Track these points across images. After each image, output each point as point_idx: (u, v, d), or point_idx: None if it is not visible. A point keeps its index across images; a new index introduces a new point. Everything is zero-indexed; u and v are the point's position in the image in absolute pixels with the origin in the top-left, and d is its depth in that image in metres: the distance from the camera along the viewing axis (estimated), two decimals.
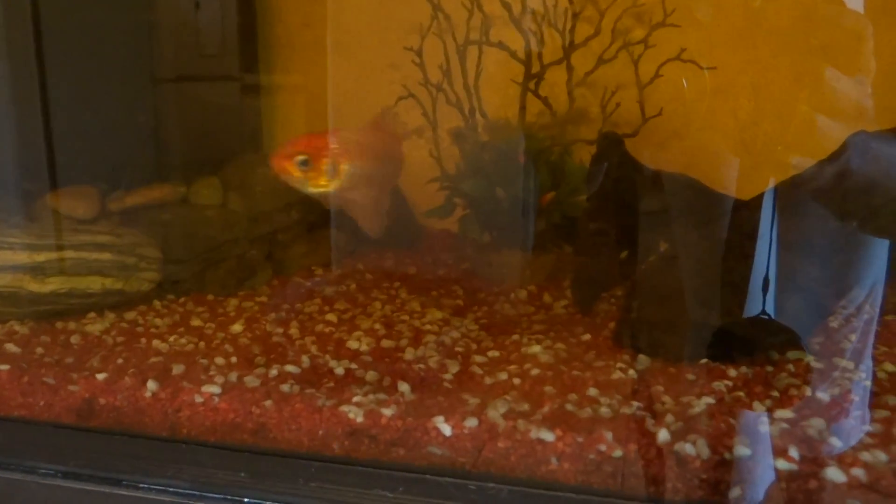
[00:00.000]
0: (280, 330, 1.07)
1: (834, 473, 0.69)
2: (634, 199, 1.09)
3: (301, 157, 0.89)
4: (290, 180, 0.91)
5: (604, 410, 0.82)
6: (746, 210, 1.00)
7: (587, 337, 1.04)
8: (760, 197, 1.00)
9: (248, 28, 1.52)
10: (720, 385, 0.86)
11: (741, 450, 0.72)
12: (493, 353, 0.99)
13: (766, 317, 0.93)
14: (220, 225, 1.26)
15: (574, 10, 1.31)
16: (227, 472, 0.81)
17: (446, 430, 0.79)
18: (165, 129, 1.36)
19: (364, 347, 1.00)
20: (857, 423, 0.78)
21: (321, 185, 0.91)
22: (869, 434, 0.75)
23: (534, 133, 1.34)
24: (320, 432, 0.81)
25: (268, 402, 0.84)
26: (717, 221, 1.02)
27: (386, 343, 1.02)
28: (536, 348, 1.00)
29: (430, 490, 0.78)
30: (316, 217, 1.40)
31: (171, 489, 0.81)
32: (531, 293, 1.25)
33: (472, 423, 0.79)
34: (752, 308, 0.96)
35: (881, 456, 0.70)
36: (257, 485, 0.80)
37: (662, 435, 0.75)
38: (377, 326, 1.09)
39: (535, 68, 1.33)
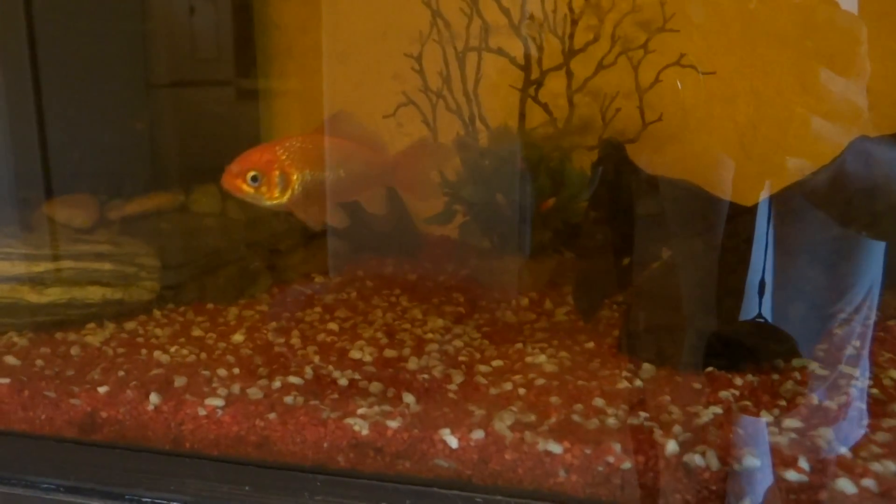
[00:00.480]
0: (282, 339, 1.06)
1: (844, 484, 0.69)
2: (635, 205, 1.09)
3: (252, 173, 0.89)
4: (246, 198, 0.90)
5: (611, 421, 0.81)
6: (749, 216, 1.00)
7: (591, 345, 1.04)
8: (763, 202, 0.99)
9: (244, 33, 1.52)
10: (727, 394, 0.86)
11: (750, 460, 0.72)
12: (497, 363, 0.98)
13: (763, 321, 0.92)
14: (220, 233, 1.26)
15: (573, 17, 1.30)
16: (230, 486, 0.81)
17: (453, 442, 0.78)
18: (163, 136, 1.35)
19: (367, 357, 1.00)
20: (864, 431, 0.77)
21: (275, 198, 0.91)
22: (877, 443, 0.74)
23: (534, 139, 1.34)
24: (325, 445, 0.81)
25: (272, 415, 0.83)
26: (719, 228, 1.02)
27: (389, 353, 1.02)
28: (541, 357, 0.99)
29: (437, 503, 0.77)
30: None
31: (175, 503, 0.80)
32: (533, 300, 1.24)
33: (478, 434, 0.79)
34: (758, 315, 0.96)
35: (891, 466, 0.70)
36: (261, 499, 0.80)
37: (671, 446, 0.74)
38: (379, 335, 1.08)
39: (535, 74, 1.33)
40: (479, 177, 1.33)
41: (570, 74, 1.33)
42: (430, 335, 1.09)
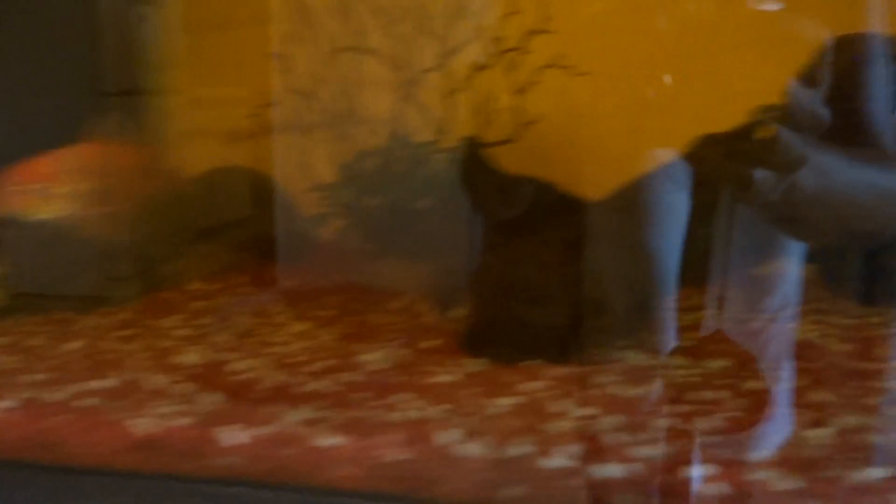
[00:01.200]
0: (119, 346, 1.04)
1: (611, 469, 0.66)
2: (488, 202, 1.08)
3: (34, 186, 0.86)
4: (27, 211, 0.87)
5: (411, 414, 0.79)
6: (594, 210, 0.99)
7: (437, 342, 1.02)
8: (609, 197, 0.98)
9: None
10: (533, 385, 0.84)
11: (526, 448, 0.70)
12: (330, 362, 0.96)
13: (585, 315, 0.90)
14: (82, 240, 1.23)
15: (452, 15, 1.30)
16: (14, 491, 0.78)
17: (239, 438, 0.76)
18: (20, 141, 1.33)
19: (192, 360, 0.97)
20: (655, 419, 0.75)
21: (55, 209, 0.88)
22: (660, 429, 0.72)
23: (412, 140, 1.33)
24: (112, 446, 0.78)
25: (62, 417, 0.81)
26: (564, 222, 1.01)
27: (221, 356, 0.99)
28: (376, 356, 0.97)
29: (223, 501, 0.75)
30: (197, 231, 1.38)
31: None
32: (406, 302, 1.22)
33: (264, 431, 0.76)
34: (592, 307, 0.94)
35: (662, 450, 0.68)
36: (46, 501, 0.77)
37: (445, 437, 0.72)
38: (225, 340, 1.06)
39: (413, 75, 1.32)
40: (356, 178, 1.32)
41: (450, 75, 1.32)
42: (278, 338, 1.06)
